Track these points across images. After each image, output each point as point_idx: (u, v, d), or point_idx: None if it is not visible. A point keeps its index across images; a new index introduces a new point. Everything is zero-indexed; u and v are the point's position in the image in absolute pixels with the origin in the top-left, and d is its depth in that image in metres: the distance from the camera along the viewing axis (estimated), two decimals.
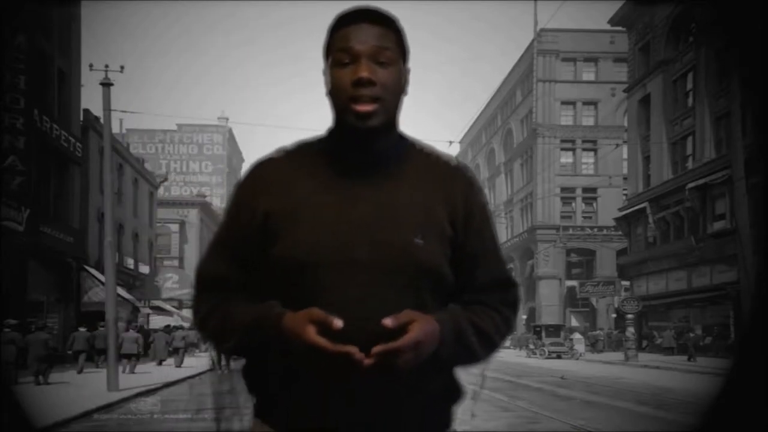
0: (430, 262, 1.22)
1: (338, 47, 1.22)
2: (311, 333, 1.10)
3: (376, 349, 1.09)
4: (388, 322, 1.10)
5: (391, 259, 1.19)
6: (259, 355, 1.24)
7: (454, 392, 1.31)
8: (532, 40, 43.92)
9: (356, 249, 1.19)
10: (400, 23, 1.27)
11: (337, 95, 1.22)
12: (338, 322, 1.10)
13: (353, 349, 1.09)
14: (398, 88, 1.25)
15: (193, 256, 42.63)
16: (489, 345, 1.28)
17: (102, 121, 15.20)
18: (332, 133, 1.29)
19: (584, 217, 43.68)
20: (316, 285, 1.19)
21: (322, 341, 1.09)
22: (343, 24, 1.23)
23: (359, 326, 1.15)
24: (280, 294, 1.22)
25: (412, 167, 1.28)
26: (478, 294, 1.30)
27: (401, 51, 1.27)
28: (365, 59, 1.20)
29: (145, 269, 32.16)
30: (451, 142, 32.39)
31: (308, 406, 1.20)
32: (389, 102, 1.22)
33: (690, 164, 27.63)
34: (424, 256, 1.21)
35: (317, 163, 1.27)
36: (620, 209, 34.23)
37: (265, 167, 1.31)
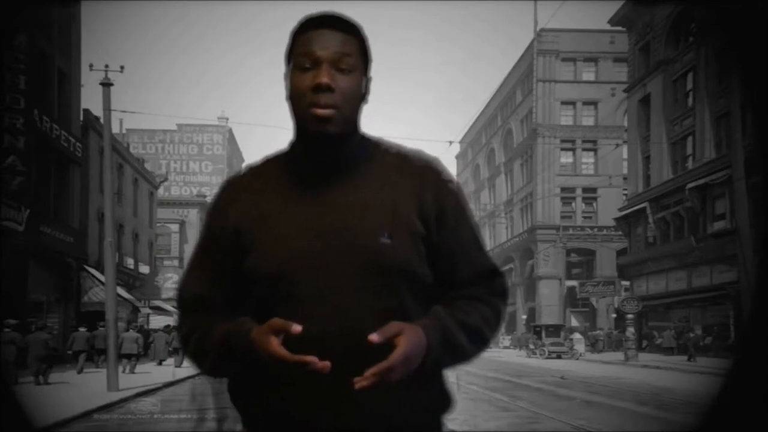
0: (400, 261, 1.20)
1: (300, 52, 1.22)
2: (273, 344, 1.10)
3: (369, 371, 1.08)
4: (374, 337, 1.09)
5: (359, 261, 1.19)
6: (236, 374, 1.24)
7: (444, 401, 1.31)
8: (532, 40, 43.93)
9: (325, 255, 1.19)
10: (363, 31, 1.26)
11: (296, 100, 1.22)
12: (296, 327, 1.10)
13: (311, 358, 1.08)
14: (358, 95, 1.24)
15: None
16: (480, 340, 1.27)
17: (102, 121, 15.21)
18: (294, 143, 1.29)
19: (584, 217, 43.67)
20: (290, 295, 1.19)
21: (281, 352, 1.09)
22: (306, 29, 1.23)
23: (337, 333, 1.15)
24: (258, 307, 1.23)
25: (377, 167, 1.27)
26: (463, 288, 1.28)
27: (364, 59, 1.26)
28: (326, 65, 1.19)
29: (145, 269, 32.19)
30: (451, 142, 32.38)
31: (293, 419, 1.19)
32: (347, 109, 1.22)
33: (690, 164, 27.63)
34: (393, 256, 1.20)
35: (282, 174, 1.28)
36: (620, 209, 34.23)
37: (233, 185, 1.33)
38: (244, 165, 1.38)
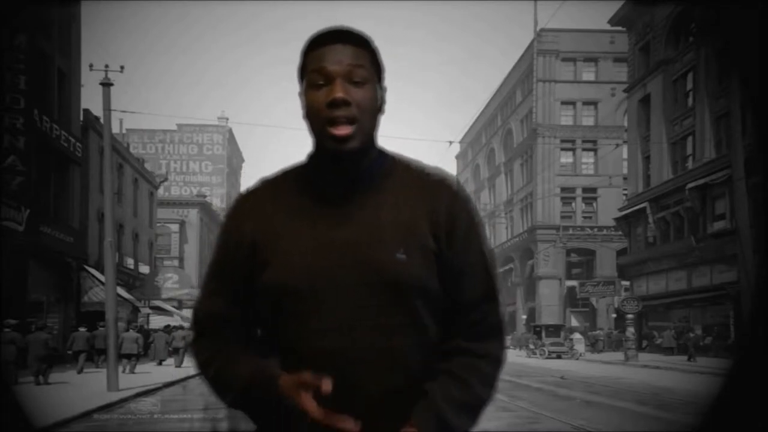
0: (414, 277, 1.20)
1: (312, 69, 1.21)
2: (305, 401, 1.10)
3: None
4: None
5: (374, 278, 1.18)
6: (258, 411, 1.23)
7: None
8: (532, 40, 43.92)
9: (340, 271, 1.19)
10: (374, 42, 1.26)
11: (313, 118, 1.21)
12: (327, 386, 1.09)
13: (347, 422, 1.09)
14: (374, 106, 1.24)
15: (193, 256, 42.65)
16: (479, 408, 1.26)
17: (102, 121, 15.21)
18: (312, 157, 1.29)
19: (584, 217, 43.66)
20: (304, 311, 1.19)
21: (315, 411, 1.09)
22: (316, 45, 1.23)
23: (351, 349, 1.16)
24: (273, 323, 1.23)
25: (393, 183, 1.27)
26: (463, 314, 1.26)
27: (376, 70, 1.26)
28: (340, 79, 1.19)
29: (145, 269, 32.17)
30: (451, 142, 32.40)
31: None
32: (365, 122, 1.21)
33: (690, 164, 27.63)
34: (408, 272, 1.19)
35: (299, 189, 1.27)
36: (620, 209, 34.23)
37: (248, 198, 1.32)
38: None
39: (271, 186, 1.32)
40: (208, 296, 1.31)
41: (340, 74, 1.19)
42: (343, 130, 1.18)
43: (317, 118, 1.20)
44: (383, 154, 1.30)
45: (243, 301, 1.27)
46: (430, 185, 1.28)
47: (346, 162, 1.22)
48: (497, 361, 1.28)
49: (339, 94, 1.18)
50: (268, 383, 1.16)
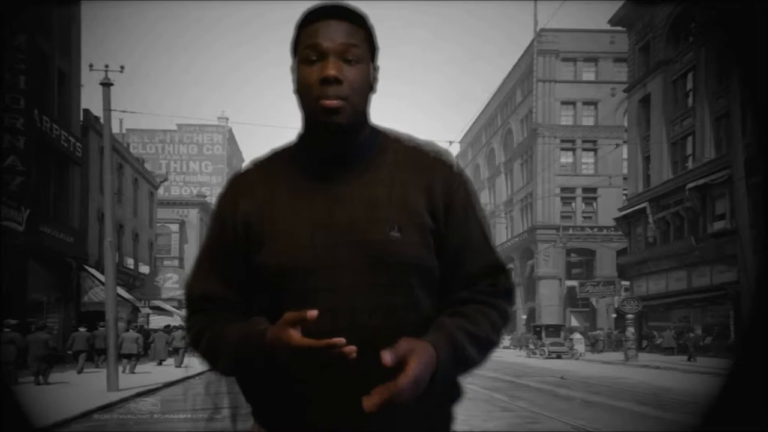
0: (410, 255, 1.19)
1: (306, 44, 1.21)
2: (294, 336, 1.08)
3: (378, 391, 1.05)
4: (387, 358, 1.05)
5: (369, 256, 1.18)
6: (252, 373, 1.21)
7: (454, 392, 1.30)
8: (532, 40, 43.92)
9: (336, 250, 1.18)
10: (369, 20, 1.25)
11: (304, 93, 1.21)
12: (312, 313, 1.07)
13: (339, 340, 1.06)
14: (366, 85, 1.23)
15: (193, 256, 42.55)
16: (487, 347, 1.25)
17: (102, 121, 15.20)
18: (303, 136, 1.28)
19: (584, 217, 43.67)
20: (299, 290, 1.18)
21: (307, 340, 1.07)
22: (311, 20, 1.22)
23: (349, 328, 1.14)
24: (268, 303, 1.22)
25: (387, 160, 1.26)
26: (468, 286, 1.26)
27: (370, 48, 1.25)
28: (333, 57, 1.18)
29: (145, 269, 32.17)
30: (451, 142, 32.40)
31: (303, 410, 1.19)
32: (356, 100, 1.21)
33: (690, 164, 27.63)
34: (403, 250, 1.19)
35: (291, 168, 1.27)
36: (620, 209, 34.23)
37: (241, 179, 1.32)
38: (250, 159, 1.37)
39: (263, 166, 1.31)
40: (199, 275, 1.30)
41: (333, 51, 1.19)
42: (333, 102, 1.17)
43: (308, 94, 1.20)
44: (376, 131, 1.30)
45: (235, 281, 1.26)
46: (424, 161, 1.28)
47: (335, 135, 1.21)
48: (506, 315, 1.28)
49: (331, 71, 1.17)
50: (257, 338, 1.14)
